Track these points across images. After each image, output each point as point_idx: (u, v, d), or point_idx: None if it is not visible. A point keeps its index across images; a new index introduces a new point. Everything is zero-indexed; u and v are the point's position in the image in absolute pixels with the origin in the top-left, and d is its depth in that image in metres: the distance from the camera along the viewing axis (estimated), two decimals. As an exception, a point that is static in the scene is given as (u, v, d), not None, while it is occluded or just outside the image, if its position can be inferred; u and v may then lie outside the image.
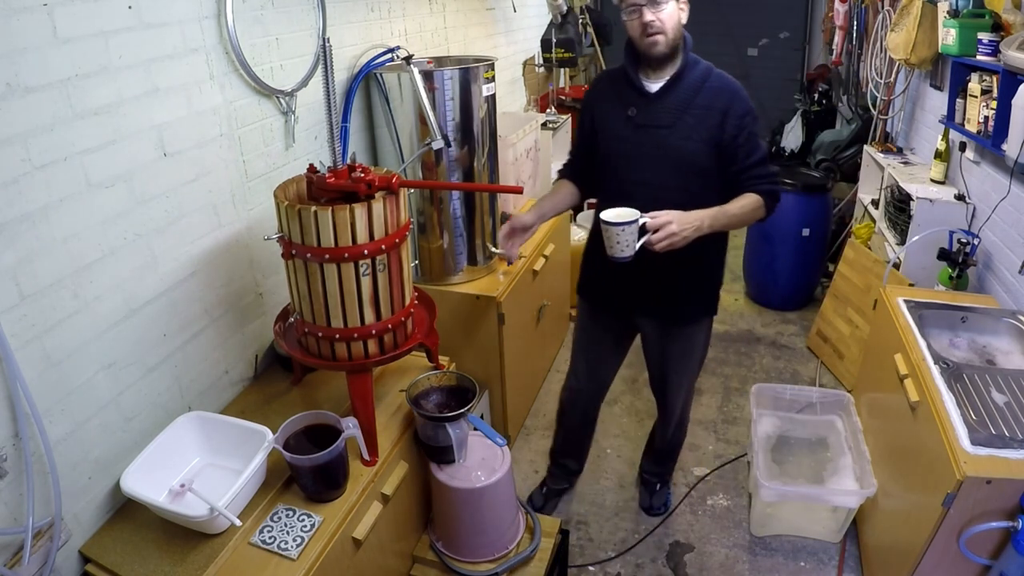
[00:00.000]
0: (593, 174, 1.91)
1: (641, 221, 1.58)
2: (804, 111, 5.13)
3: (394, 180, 1.52)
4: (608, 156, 1.83)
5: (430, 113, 2.15)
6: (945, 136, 2.91)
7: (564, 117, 3.90)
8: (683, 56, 1.76)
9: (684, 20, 1.73)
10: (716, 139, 1.72)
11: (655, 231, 1.59)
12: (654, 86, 1.76)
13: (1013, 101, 2.15)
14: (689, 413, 2.28)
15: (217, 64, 1.67)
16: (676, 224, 1.59)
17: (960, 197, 2.77)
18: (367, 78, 2.27)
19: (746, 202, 1.72)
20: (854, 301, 3.14)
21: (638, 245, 1.60)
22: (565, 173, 2.03)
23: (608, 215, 1.60)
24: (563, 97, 4.30)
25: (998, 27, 2.43)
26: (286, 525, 1.45)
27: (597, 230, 1.92)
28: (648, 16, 1.65)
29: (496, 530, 1.80)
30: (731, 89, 1.76)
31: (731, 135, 1.72)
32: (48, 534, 1.31)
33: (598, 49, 4.95)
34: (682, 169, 1.75)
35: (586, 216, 4.09)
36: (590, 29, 4.80)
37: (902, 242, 2.91)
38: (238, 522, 1.36)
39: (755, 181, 1.74)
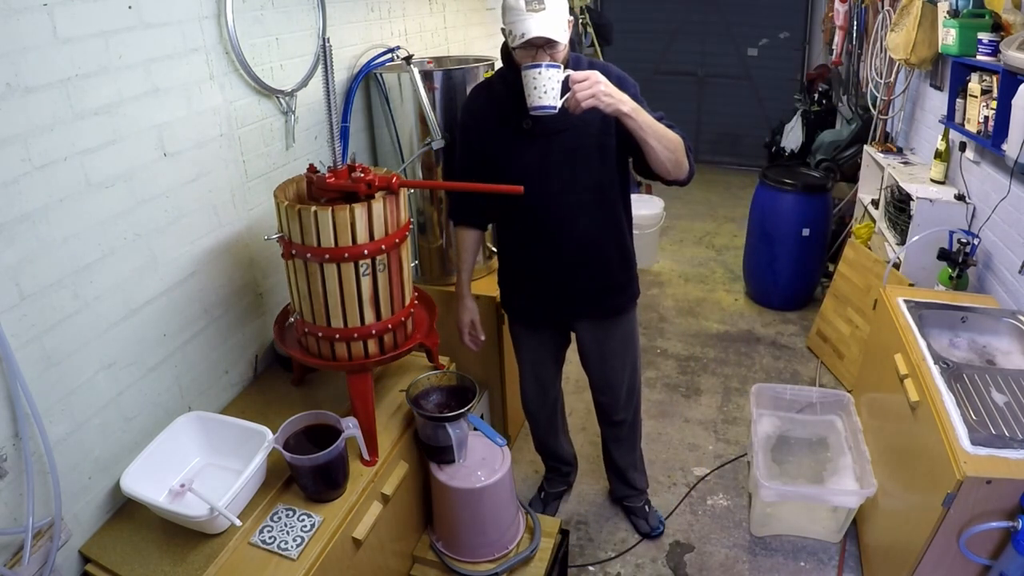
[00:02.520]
0: (489, 202, 1.89)
1: (566, 72, 1.52)
2: (804, 111, 5.13)
3: (394, 180, 1.52)
4: (507, 175, 1.71)
5: (430, 113, 2.16)
6: (945, 136, 2.91)
7: (564, 117, 3.89)
8: (571, 58, 1.70)
9: (570, 35, 1.67)
10: (614, 125, 1.68)
11: (579, 84, 1.49)
12: None
13: (1013, 101, 2.15)
14: (640, 404, 2.25)
15: (217, 64, 1.67)
16: (602, 82, 1.51)
17: (960, 197, 2.77)
18: (367, 78, 2.27)
19: (669, 130, 1.67)
20: (854, 301, 3.14)
21: (560, 101, 1.52)
22: (462, 218, 1.99)
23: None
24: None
25: (998, 27, 2.43)
26: (286, 525, 1.45)
27: (508, 245, 1.97)
28: (545, 58, 1.57)
29: (496, 530, 1.80)
30: (613, 73, 1.71)
31: None
32: (48, 534, 1.31)
33: (598, 49, 4.95)
34: (591, 164, 1.75)
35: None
36: (590, 29, 4.80)
37: (902, 242, 2.91)
38: (238, 522, 1.36)
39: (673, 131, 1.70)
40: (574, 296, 1.93)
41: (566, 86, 1.52)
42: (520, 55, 1.61)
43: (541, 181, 1.76)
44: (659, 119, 1.69)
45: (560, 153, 1.74)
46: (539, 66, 1.49)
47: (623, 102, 1.53)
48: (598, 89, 1.49)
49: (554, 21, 1.54)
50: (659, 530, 2.33)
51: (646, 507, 2.38)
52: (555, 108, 1.52)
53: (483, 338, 2.11)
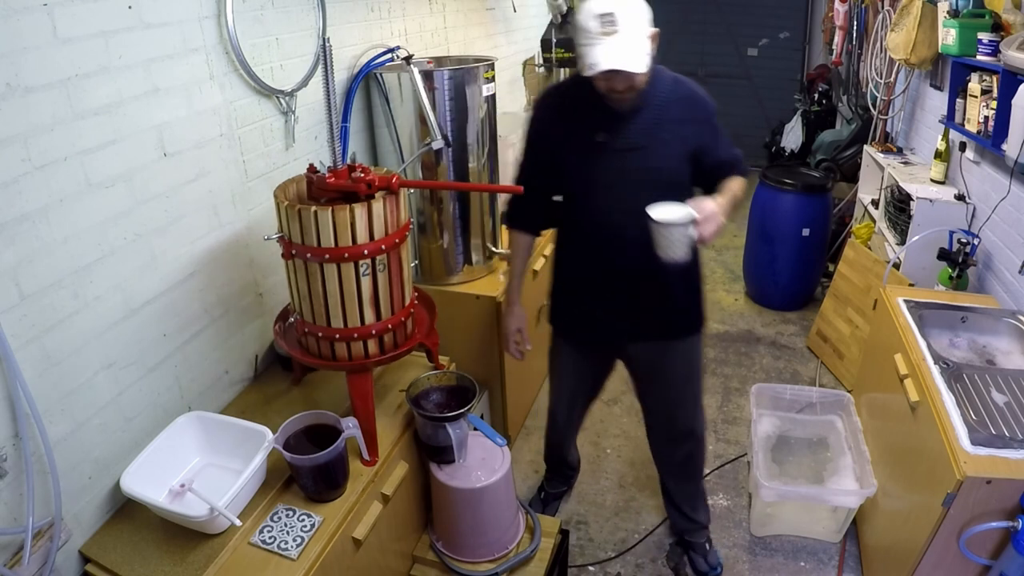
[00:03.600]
0: (547, 209, 1.83)
1: (693, 216, 1.46)
2: (804, 111, 5.13)
3: (394, 180, 1.52)
4: (575, 187, 1.68)
5: (430, 113, 2.15)
6: (945, 136, 2.91)
7: (564, 117, 3.89)
8: (653, 75, 1.61)
9: (654, 52, 1.54)
10: (692, 149, 1.66)
11: (703, 224, 1.47)
12: (625, 105, 1.61)
13: (1013, 101, 2.15)
14: (704, 436, 2.09)
15: (217, 64, 1.67)
16: (720, 214, 1.50)
17: (960, 197, 2.77)
18: (367, 78, 2.27)
19: (739, 183, 1.68)
20: (854, 301, 3.14)
21: (688, 242, 1.48)
22: (517, 222, 1.90)
23: (659, 215, 1.47)
24: (563, 97, 4.29)
25: (998, 27, 2.43)
26: (286, 525, 1.45)
27: (567, 258, 1.86)
28: (622, 84, 1.50)
29: (496, 530, 1.80)
30: (698, 95, 1.69)
31: (708, 141, 1.67)
32: (48, 534, 1.31)
33: (598, 49, 4.95)
34: (662, 189, 1.62)
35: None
36: (590, 29, 4.79)
37: (902, 242, 2.91)
38: (238, 522, 1.36)
39: (735, 167, 1.71)
40: (632, 315, 1.79)
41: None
42: (596, 80, 1.52)
43: (610, 197, 1.67)
44: (731, 147, 1.71)
45: (634, 172, 1.65)
46: (675, 226, 1.44)
47: (727, 215, 1.55)
48: (719, 231, 1.49)
49: (629, 46, 1.43)
50: (717, 572, 2.15)
51: (707, 544, 2.18)
52: (687, 257, 1.50)
53: (530, 347, 2.00)
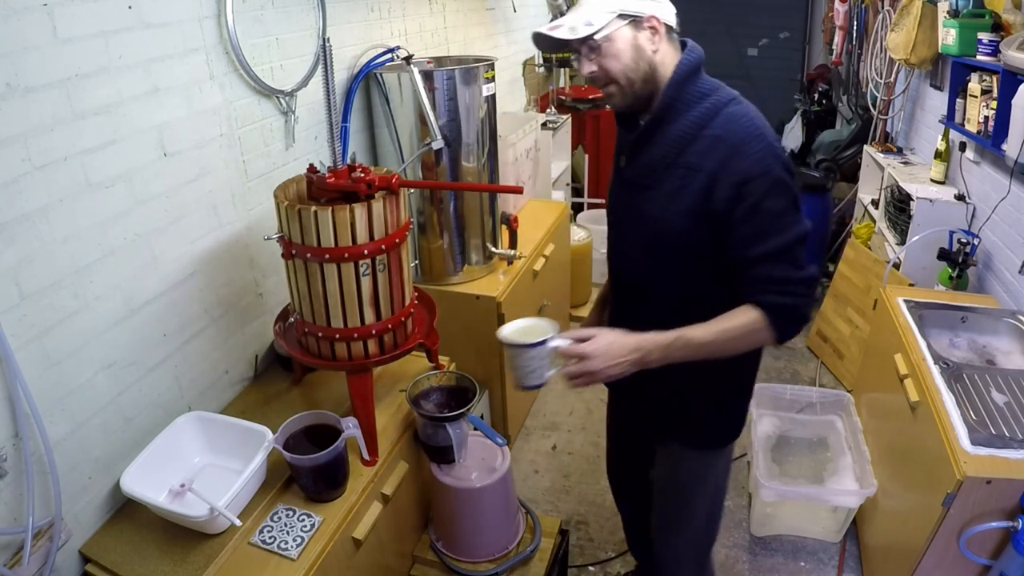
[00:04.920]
0: None
1: (553, 344, 1.21)
2: (804, 111, 5.13)
3: (394, 180, 1.52)
4: (609, 205, 1.44)
5: (430, 113, 2.16)
6: (945, 136, 2.92)
7: (564, 117, 3.90)
8: (667, 91, 1.21)
9: (654, 47, 1.19)
10: (703, 212, 1.18)
11: (570, 371, 1.20)
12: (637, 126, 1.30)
13: (1013, 101, 2.15)
14: (687, 563, 1.64)
15: (217, 64, 1.67)
16: (598, 360, 1.17)
17: (960, 197, 2.77)
18: (367, 78, 2.27)
19: (733, 324, 1.17)
20: (854, 301, 3.14)
21: (550, 374, 1.24)
22: None
23: (510, 331, 1.24)
24: (563, 97, 4.30)
25: (998, 27, 2.43)
26: (286, 525, 1.45)
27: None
28: (587, 67, 1.21)
29: (496, 530, 1.80)
30: (732, 142, 1.15)
31: (722, 209, 1.15)
32: (48, 534, 1.31)
33: (598, 49, 4.95)
34: (660, 248, 1.26)
35: (587, 216, 4.09)
36: (590, 29, 4.80)
37: (902, 242, 2.91)
38: (238, 522, 1.36)
39: (759, 286, 1.17)
40: (630, 388, 1.35)
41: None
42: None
43: (616, 239, 1.40)
44: (772, 253, 1.15)
45: (635, 216, 1.29)
46: (517, 347, 1.22)
47: (638, 363, 1.19)
48: (592, 380, 1.20)
49: (576, 14, 1.19)
50: None
51: None
52: (541, 386, 1.26)
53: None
